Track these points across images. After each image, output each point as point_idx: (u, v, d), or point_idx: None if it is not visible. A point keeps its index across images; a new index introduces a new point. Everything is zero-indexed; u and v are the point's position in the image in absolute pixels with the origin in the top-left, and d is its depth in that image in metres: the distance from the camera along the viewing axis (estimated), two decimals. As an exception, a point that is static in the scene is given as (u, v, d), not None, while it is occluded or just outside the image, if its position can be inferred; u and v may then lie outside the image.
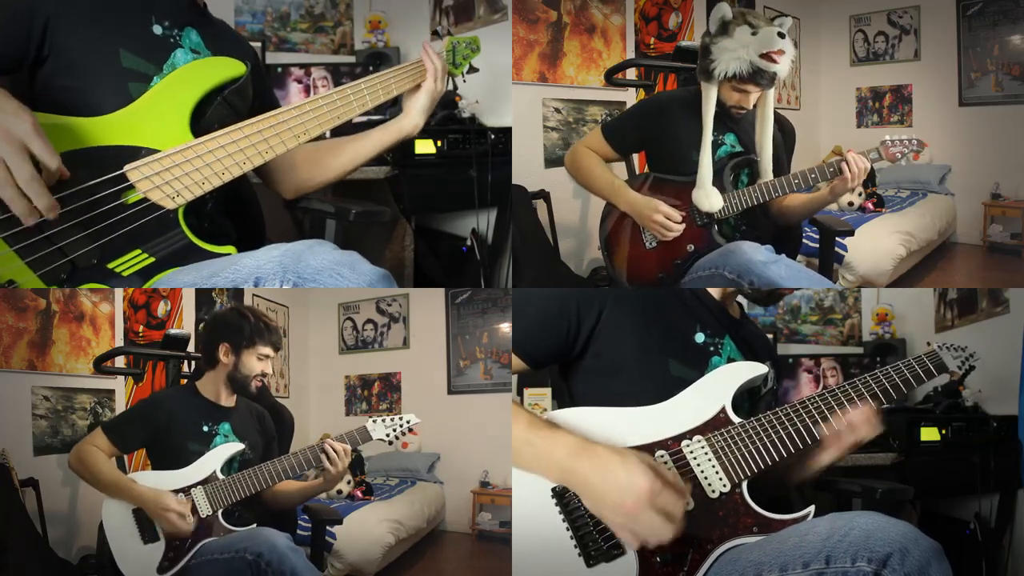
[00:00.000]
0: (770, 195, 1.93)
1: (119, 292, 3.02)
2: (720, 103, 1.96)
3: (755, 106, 1.99)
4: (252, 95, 1.50)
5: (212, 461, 1.74)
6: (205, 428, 1.81)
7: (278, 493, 1.86)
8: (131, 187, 1.29)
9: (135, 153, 1.30)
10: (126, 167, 1.29)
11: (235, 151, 1.37)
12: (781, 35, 1.83)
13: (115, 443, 1.78)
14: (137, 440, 1.83)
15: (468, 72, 1.84)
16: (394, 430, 1.76)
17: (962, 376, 1.57)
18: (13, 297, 2.55)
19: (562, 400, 1.44)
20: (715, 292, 1.47)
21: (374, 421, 1.78)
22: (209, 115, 1.39)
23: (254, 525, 1.72)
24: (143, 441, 1.83)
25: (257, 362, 1.84)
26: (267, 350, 1.85)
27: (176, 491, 1.70)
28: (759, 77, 1.87)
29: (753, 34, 1.84)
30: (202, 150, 1.34)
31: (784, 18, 1.89)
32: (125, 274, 1.30)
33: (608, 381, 1.34)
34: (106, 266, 1.28)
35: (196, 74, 1.40)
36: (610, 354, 1.34)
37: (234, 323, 1.85)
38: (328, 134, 1.60)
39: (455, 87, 1.92)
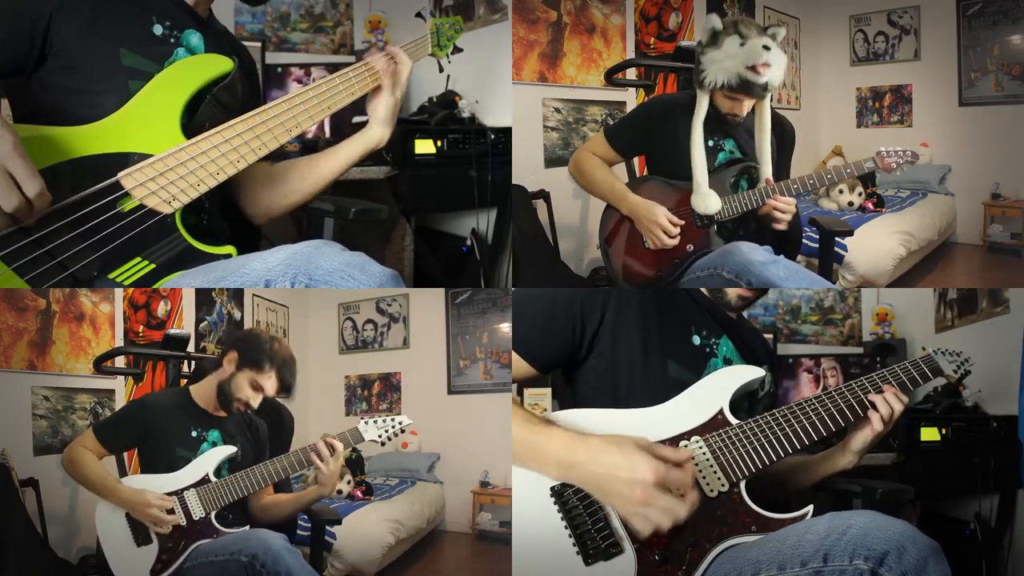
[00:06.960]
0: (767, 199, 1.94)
1: (119, 292, 3.02)
2: (716, 109, 1.98)
3: (754, 112, 2.00)
4: (242, 93, 1.48)
5: (204, 464, 1.74)
6: (194, 433, 1.79)
7: (271, 506, 1.85)
8: (126, 194, 1.27)
9: (127, 160, 1.28)
10: (120, 174, 1.27)
11: (228, 150, 1.35)
12: (767, 47, 1.82)
13: (104, 444, 1.79)
14: (126, 442, 1.84)
15: (453, 53, 1.83)
16: (386, 431, 1.74)
17: (958, 380, 1.57)
18: (13, 297, 2.55)
19: (565, 401, 1.44)
20: (731, 294, 1.46)
21: (366, 422, 1.75)
22: (199, 114, 1.37)
23: (247, 527, 1.71)
24: (132, 443, 1.83)
25: (247, 386, 1.78)
26: (262, 380, 1.77)
27: (169, 494, 1.69)
28: (748, 88, 1.87)
29: (741, 45, 1.84)
30: (195, 151, 1.32)
31: (777, 28, 1.88)
32: (126, 283, 1.28)
33: (609, 382, 1.34)
34: (107, 276, 1.26)
35: (183, 74, 1.38)
36: (611, 355, 1.34)
37: (253, 342, 1.81)
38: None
39: (442, 68, 1.91)
